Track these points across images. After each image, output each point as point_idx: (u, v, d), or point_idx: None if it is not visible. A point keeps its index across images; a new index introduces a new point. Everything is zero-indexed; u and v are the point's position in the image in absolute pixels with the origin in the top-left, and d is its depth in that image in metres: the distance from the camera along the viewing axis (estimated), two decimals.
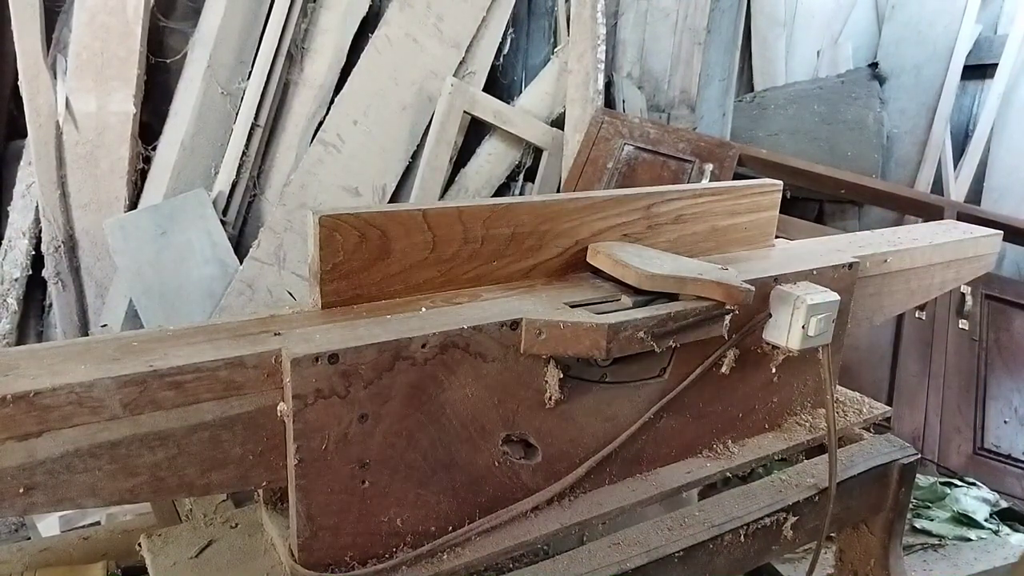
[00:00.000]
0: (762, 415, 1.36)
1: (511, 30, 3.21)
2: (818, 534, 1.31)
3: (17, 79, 2.67)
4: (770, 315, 1.24)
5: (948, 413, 2.67)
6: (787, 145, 3.45)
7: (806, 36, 3.62)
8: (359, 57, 2.95)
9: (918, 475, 2.23)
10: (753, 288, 1.11)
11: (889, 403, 2.50)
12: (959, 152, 3.56)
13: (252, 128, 2.88)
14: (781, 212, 1.46)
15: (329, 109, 2.94)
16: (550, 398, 1.06)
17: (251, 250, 2.83)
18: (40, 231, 2.76)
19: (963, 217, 2.72)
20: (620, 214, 1.23)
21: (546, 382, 1.05)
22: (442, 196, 3.12)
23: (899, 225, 2.63)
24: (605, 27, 3.14)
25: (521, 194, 3.29)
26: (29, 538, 2.37)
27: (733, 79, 3.45)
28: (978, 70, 3.53)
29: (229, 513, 1.11)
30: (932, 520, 2.23)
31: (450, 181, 3.17)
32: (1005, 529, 2.23)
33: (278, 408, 0.89)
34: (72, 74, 2.70)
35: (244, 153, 2.87)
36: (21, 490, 0.79)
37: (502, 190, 3.27)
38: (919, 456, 1.46)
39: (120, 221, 2.72)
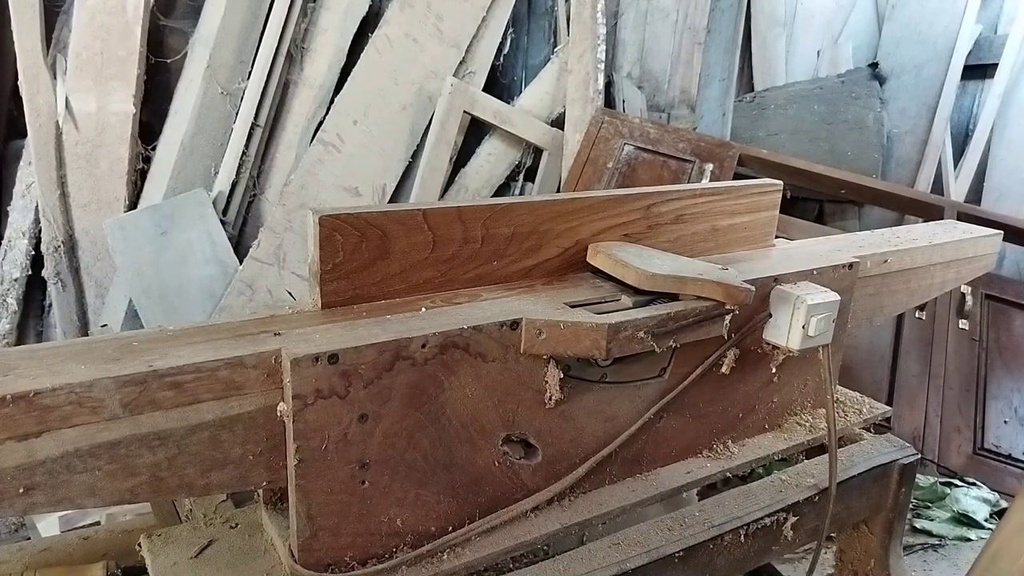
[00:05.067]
0: (762, 415, 1.36)
1: (511, 30, 3.21)
2: (818, 534, 1.31)
3: (17, 79, 2.67)
4: (770, 315, 1.24)
5: (948, 413, 2.67)
6: (787, 145, 3.44)
7: (806, 36, 3.62)
8: (359, 57, 2.95)
9: (918, 475, 2.24)
10: (753, 288, 1.11)
11: (889, 403, 2.50)
12: (959, 152, 3.56)
13: (252, 128, 2.87)
14: (781, 212, 1.46)
15: (329, 109, 2.94)
16: (550, 398, 1.05)
17: (251, 250, 2.83)
18: (40, 231, 2.76)
19: (963, 217, 2.72)
20: (620, 214, 1.23)
21: (546, 382, 1.05)
22: (442, 196, 3.11)
23: (899, 225, 2.63)
24: (605, 27, 3.14)
25: (521, 194, 3.29)
26: (29, 538, 2.37)
27: (733, 79, 3.45)
28: (978, 70, 3.53)
29: (229, 513, 1.11)
30: (932, 520, 2.23)
31: (450, 181, 3.17)
32: None
33: (278, 408, 0.89)
34: (72, 74, 2.70)
35: (244, 153, 2.87)
36: (21, 490, 0.79)
37: (502, 190, 3.27)
38: (919, 456, 1.46)
39: (120, 221, 2.72)
